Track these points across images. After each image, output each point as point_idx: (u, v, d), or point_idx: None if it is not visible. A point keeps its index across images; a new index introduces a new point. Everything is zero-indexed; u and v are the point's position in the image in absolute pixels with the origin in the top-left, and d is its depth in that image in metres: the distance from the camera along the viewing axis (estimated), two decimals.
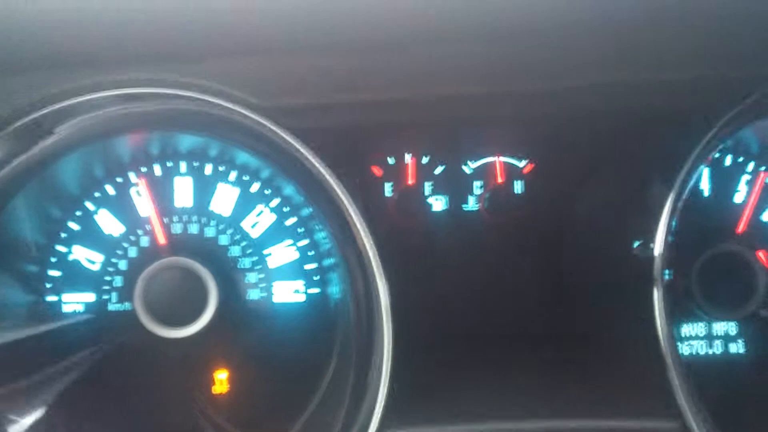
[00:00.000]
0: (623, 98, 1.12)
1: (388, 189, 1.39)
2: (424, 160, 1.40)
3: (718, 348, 1.36)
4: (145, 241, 1.30)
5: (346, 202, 1.05)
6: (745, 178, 1.38)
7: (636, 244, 1.13)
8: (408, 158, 1.39)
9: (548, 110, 1.15)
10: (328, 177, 1.05)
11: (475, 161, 1.41)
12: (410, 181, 1.39)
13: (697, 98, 1.11)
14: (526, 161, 1.41)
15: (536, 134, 1.36)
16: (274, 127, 1.04)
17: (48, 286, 1.29)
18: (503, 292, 1.36)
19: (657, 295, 1.06)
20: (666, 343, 1.04)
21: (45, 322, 1.27)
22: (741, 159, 1.38)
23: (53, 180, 1.21)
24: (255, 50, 1.04)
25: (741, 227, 1.35)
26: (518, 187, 1.41)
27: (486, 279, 1.37)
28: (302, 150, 1.05)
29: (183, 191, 1.32)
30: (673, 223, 1.09)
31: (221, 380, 1.29)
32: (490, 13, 1.01)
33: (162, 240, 1.27)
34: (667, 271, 1.09)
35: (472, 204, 1.41)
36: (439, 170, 1.41)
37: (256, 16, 0.99)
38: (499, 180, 1.40)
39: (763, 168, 1.38)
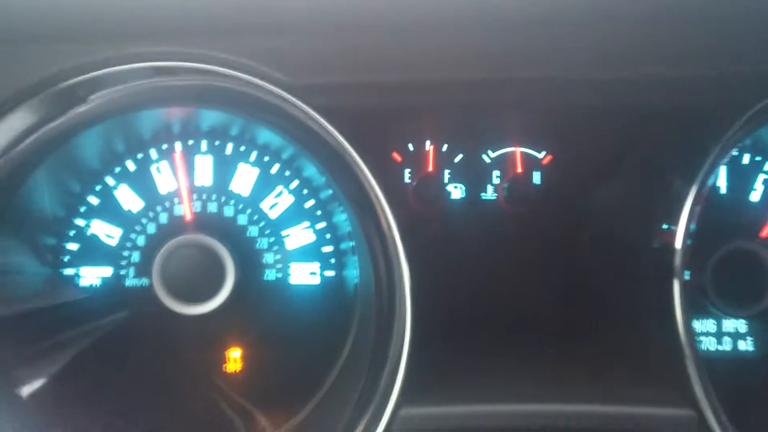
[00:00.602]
0: (645, 92, 1.12)
1: (407, 175, 1.39)
2: (444, 147, 1.41)
3: (728, 344, 1.37)
4: (163, 218, 1.31)
5: (371, 183, 1.05)
6: (762, 177, 1.39)
7: (656, 237, 1.14)
8: (428, 145, 1.40)
9: (569, 100, 1.16)
10: (353, 157, 1.05)
11: (495, 151, 1.42)
12: (429, 169, 1.40)
13: (718, 94, 1.11)
14: (545, 152, 1.41)
15: (556, 125, 1.37)
16: (300, 105, 1.04)
17: (65, 259, 1.30)
18: (520, 281, 1.37)
19: (677, 288, 1.06)
20: (685, 335, 1.05)
21: (61, 295, 1.27)
22: (759, 158, 1.39)
23: (75, 153, 1.21)
24: (284, 28, 1.04)
25: (757, 225, 1.35)
26: (537, 177, 1.41)
27: (503, 268, 1.37)
28: (329, 128, 1.05)
29: (203, 170, 1.32)
30: (694, 218, 1.09)
31: (235, 358, 1.30)
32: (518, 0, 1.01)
33: (189, 215, 1.27)
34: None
35: (490, 193, 1.41)
36: (458, 158, 1.41)
37: None
38: (518, 170, 1.41)
39: None
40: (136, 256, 1.30)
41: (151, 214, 1.31)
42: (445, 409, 1.05)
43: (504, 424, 1.03)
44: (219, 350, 1.30)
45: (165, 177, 1.31)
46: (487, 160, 1.41)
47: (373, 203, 1.06)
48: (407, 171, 1.39)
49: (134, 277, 1.30)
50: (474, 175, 1.41)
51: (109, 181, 1.30)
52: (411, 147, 1.39)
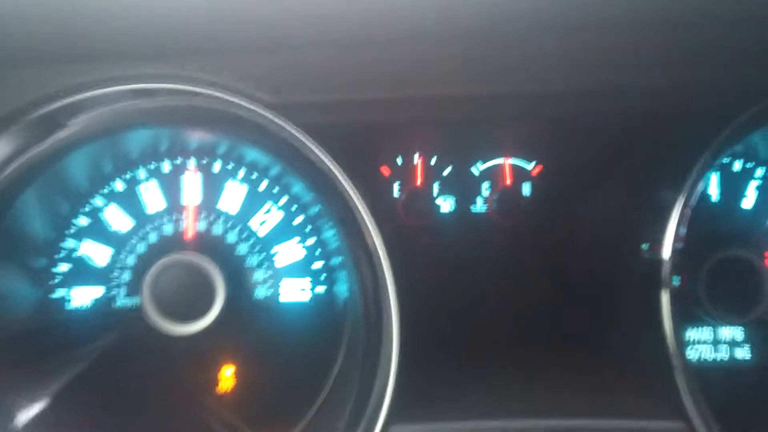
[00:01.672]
0: (632, 101, 1.12)
1: (396, 189, 1.39)
2: (433, 161, 1.41)
3: (724, 353, 1.35)
4: (153, 237, 1.31)
5: (355, 200, 1.05)
6: (754, 183, 1.38)
7: (644, 247, 1.13)
8: (416, 159, 1.40)
9: (557, 112, 1.15)
10: (338, 175, 1.05)
11: (484, 163, 1.41)
12: (418, 182, 1.40)
13: (707, 102, 1.10)
14: (535, 163, 1.41)
15: (545, 136, 1.36)
16: (284, 124, 1.04)
17: (56, 280, 1.30)
18: (510, 294, 1.36)
19: (665, 299, 1.06)
20: (673, 345, 1.04)
21: (53, 316, 1.28)
22: (750, 164, 1.38)
23: (62, 175, 1.22)
24: (266, 47, 1.04)
25: (749, 232, 1.34)
26: (526, 189, 1.41)
27: (493, 280, 1.37)
28: (312, 147, 1.05)
29: (191, 188, 1.32)
30: (682, 227, 1.09)
31: (227, 377, 1.29)
32: (502, 12, 1.01)
33: (192, 232, 1.29)
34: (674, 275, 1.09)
35: (479, 206, 1.41)
36: (447, 171, 1.41)
37: (269, 13, 0.99)
38: (507, 182, 1.40)
39: None
40: (126, 276, 1.30)
41: (140, 234, 1.31)
42: (435, 425, 1.04)
43: None
44: (210, 369, 1.29)
45: (153, 196, 1.31)
46: (477, 173, 1.41)
47: (358, 221, 1.06)
48: (396, 185, 1.39)
49: (125, 297, 1.30)
50: (463, 188, 1.41)
51: (98, 201, 1.31)
52: (400, 161, 1.39)
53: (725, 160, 1.37)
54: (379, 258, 1.05)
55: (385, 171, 1.38)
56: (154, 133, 1.24)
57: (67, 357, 1.24)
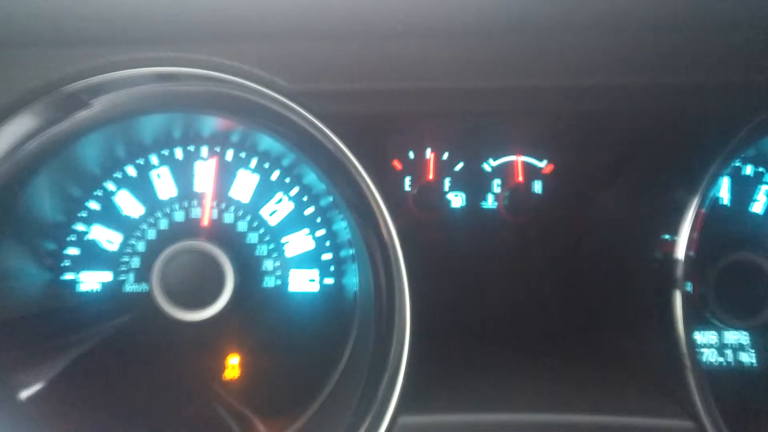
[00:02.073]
0: (646, 101, 1.12)
1: (407, 183, 1.39)
2: (444, 156, 1.41)
3: (729, 356, 1.36)
4: (163, 224, 1.31)
5: (370, 190, 1.05)
6: (764, 188, 1.38)
7: (657, 247, 1.13)
8: (428, 153, 1.40)
9: (570, 109, 1.15)
10: (353, 164, 1.05)
11: (495, 159, 1.41)
12: (430, 177, 1.40)
13: (721, 104, 1.10)
14: (547, 161, 1.41)
15: (557, 134, 1.37)
16: (301, 111, 1.04)
17: (65, 264, 1.30)
18: (519, 290, 1.37)
19: (677, 299, 1.06)
20: (685, 346, 1.04)
21: (62, 299, 1.27)
22: (761, 169, 1.38)
23: (75, 158, 1.21)
24: (286, 34, 1.04)
25: (759, 237, 1.35)
26: (537, 187, 1.41)
27: (503, 276, 1.37)
28: (329, 135, 1.05)
29: (203, 176, 1.32)
30: (695, 230, 1.09)
31: (234, 365, 1.29)
32: (518, 7, 1.01)
33: (202, 220, 1.29)
34: None
35: (490, 202, 1.41)
36: (458, 167, 1.41)
37: (290, 2, 0.99)
38: (519, 179, 1.40)
39: None
40: (135, 262, 1.30)
41: (151, 220, 1.31)
42: (443, 417, 1.04)
43: None
44: (218, 357, 1.29)
45: (165, 183, 1.31)
46: (488, 169, 1.41)
47: (374, 211, 1.06)
48: (407, 179, 1.39)
49: (134, 282, 1.30)
50: (474, 184, 1.41)
51: (110, 186, 1.31)
52: (412, 155, 1.39)
53: (737, 164, 1.38)
54: (393, 249, 1.05)
55: (397, 165, 1.39)
56: (167, 120, 1.24)
57: (75, 339, 1.24)
